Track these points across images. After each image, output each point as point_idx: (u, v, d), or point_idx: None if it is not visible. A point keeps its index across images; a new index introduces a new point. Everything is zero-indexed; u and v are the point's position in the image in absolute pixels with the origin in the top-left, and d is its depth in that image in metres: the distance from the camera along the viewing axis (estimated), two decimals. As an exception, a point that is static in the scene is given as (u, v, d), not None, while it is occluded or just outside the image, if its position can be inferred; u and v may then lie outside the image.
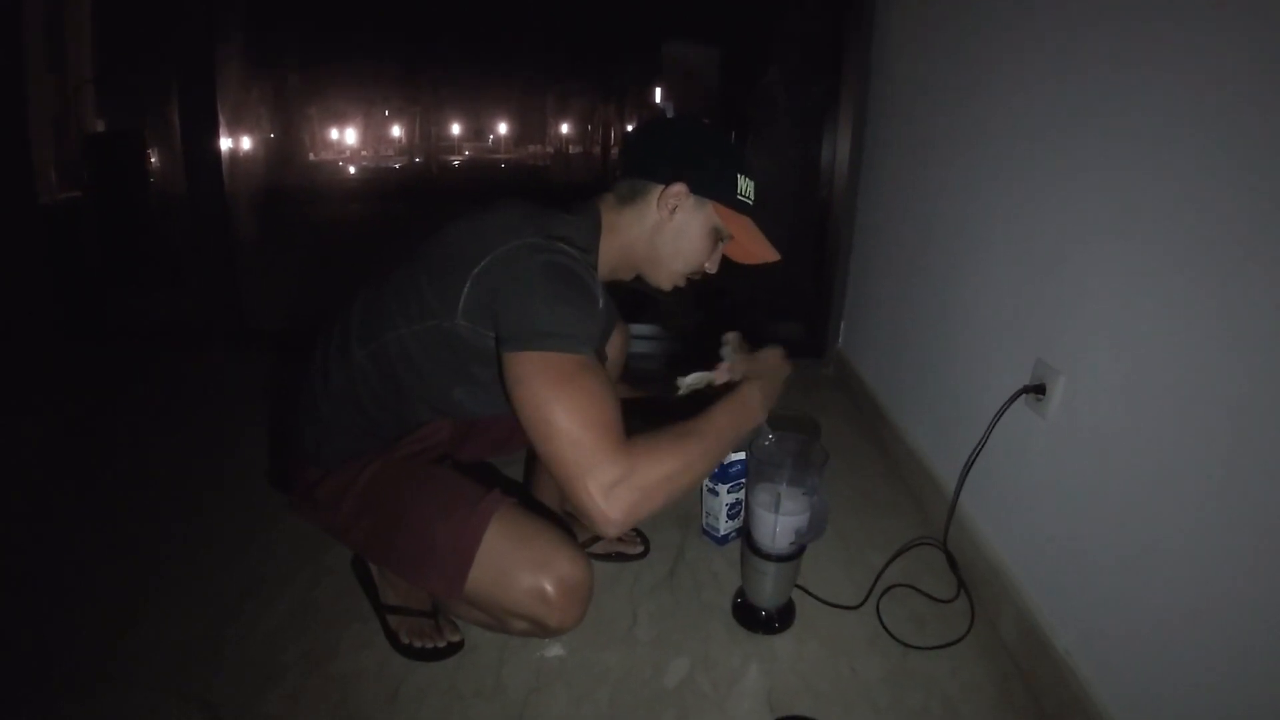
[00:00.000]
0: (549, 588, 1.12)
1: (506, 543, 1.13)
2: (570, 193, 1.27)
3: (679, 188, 1.21)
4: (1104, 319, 1.19)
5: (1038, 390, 1.35)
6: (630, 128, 3.58)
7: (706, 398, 1.21)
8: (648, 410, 1.23)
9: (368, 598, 1.43)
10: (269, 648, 1.34)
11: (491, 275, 1.09)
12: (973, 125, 1.70)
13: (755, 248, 1.27)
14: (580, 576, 1.15)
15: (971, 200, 1.70)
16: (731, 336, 1.38)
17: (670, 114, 3.40)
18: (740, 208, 1.26)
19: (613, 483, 1.00)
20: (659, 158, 1.23)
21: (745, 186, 1.25)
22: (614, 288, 1.41)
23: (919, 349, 2.01)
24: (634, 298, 2.91)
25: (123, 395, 2.44)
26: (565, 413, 1.01)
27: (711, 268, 1.32)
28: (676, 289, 1.33)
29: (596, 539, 1.61)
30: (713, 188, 1.23)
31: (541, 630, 1.17)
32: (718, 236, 1.28)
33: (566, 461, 1.01)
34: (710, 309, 3.21)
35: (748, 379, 1.26)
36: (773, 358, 1.34)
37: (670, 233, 1.24)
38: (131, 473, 1.93)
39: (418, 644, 1.33)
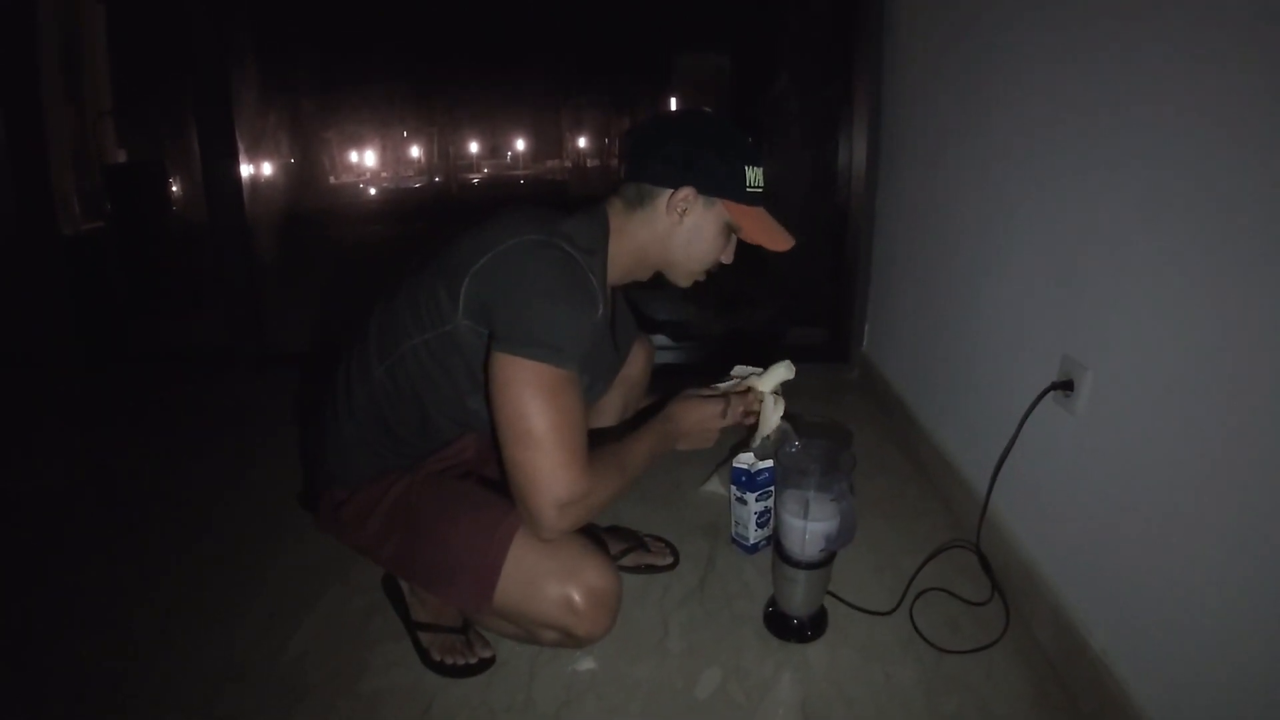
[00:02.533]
0: (577, 597, 1.12)
1: (533, 554, 1.13)
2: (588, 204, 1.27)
3: (687, 192, 1.19)
4: (1131, 312, 1.17)
5: (1066, 387, 1.33)
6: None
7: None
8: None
9: (398, 615, 1.43)
10: (298, 667, 1.34)
11: (491, 271, 1.09)
12: (992, 121, 1.69)
13: (771, 237, 1.24)
14: (608, 585, 1.15)
15: (993, 196, 1.68)
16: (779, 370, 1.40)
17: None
18: (751, 200, 1.23)
19: (570, 500, 1.07)
20: (663, 161, 1.20)
21: (754, 177, 1.22)
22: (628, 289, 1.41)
23: (944, 349, 2.00)
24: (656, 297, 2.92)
25: (147, 420, 2.46)
26: (546, 427, 1.05)
27: (727, 259, 1.31)
28: (695, 283, 1.33)
29: (626, 551, 1.61)
30: (721, 186, 1.21)
31: (571, 640, 1.17)
32: (731, 230, 1.26)
33: (534, 471, 1.06)
34: (734, 316, 3.20)
35: (671, 412, 1.31)
36: (713, 410, 1.33)
37: (683, 236, 1.23)
38: (158, 496, 1.95)
39: (449, 661, 1.32)
